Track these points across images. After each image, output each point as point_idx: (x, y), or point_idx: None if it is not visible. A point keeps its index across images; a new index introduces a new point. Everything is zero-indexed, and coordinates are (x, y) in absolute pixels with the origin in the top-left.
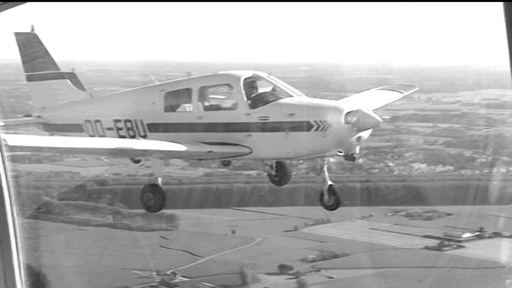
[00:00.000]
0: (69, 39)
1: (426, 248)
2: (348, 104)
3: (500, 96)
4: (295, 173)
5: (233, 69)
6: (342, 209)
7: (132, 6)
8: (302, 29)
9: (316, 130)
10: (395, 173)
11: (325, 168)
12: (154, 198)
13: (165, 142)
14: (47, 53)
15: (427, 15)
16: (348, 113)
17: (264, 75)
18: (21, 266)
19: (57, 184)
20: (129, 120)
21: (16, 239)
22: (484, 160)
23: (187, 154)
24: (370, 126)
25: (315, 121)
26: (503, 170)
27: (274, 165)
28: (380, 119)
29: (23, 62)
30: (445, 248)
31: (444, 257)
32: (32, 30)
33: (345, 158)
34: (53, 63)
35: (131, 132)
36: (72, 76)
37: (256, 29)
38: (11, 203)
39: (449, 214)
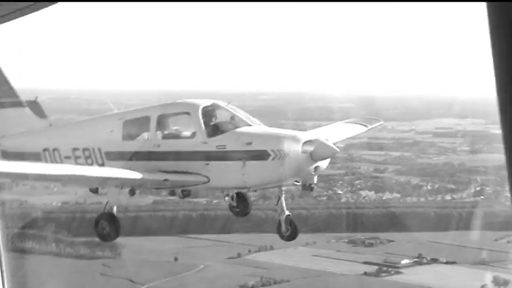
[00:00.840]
0: (30, 67)
1: (365, 274)
2: (306, 133)
3: (454, 125)
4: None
5: (193, 97)
6: None
7: (93, 35)
8: (264, 58)
9: (273, 159)
10: (342, 200)
11: (282, 198)
12: (108, 227)
13: (119, 169)
14: (6, 80)
15: (390, 45)
16: (305, 143)
17: (223, 104)
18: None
19: (4, 212)
20: (87, 149)
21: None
22: (429, 188)
23: (142, 182)
24: (328, 156)
25: (272, 150)
26: (447, 197)
27: (234, 195)
28: (337, 149)
29: None
30: (383, 274)
31: (382, 282)
32: None
33: (303, 188)
34: (12, 91)
35: (89, 161)
36: (34, 104)
37: (218, 58)
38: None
39: (391, 241)
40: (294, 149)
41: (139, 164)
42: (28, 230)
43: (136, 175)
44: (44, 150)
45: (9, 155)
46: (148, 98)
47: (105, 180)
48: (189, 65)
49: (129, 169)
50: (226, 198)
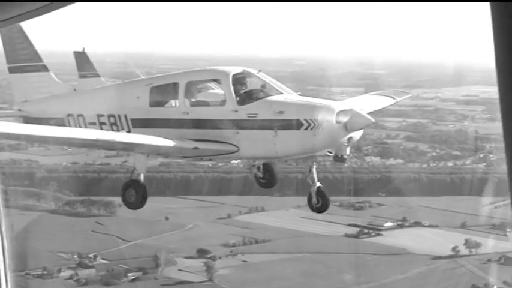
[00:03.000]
0: (68, 29)
1: (346, 235)
2: (340, 103)
3: (481, 93)
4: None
5: (227, 61)
6: (280, 199)
7: None
8: (298, 23)
9: (306, 129)
10: (346, 165)
11: (314, 170)
12: (136, 195)
13: (148, 136)
14: (30, 44)
15: (419, 13)
16: (339, 112)
17: (254, 71)
18: (6, 249)
19: (11, 171)
20: (113, 115)
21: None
22: (434, 154)
23: (172, 150)
24: (362, 127)
25: (305, 119)
26: (450, 164)
27: (261, 166)
28: (372, 120)
29: (6, 53)
30: (363, 236)
31: (360, 244)
32: None
33: (335, 159)
34: (36, 56)
35: (114, 128)
36: (82, 54)
37: (253, 23)
38: None
39: (381, 205)
40: (327, 118)
41: (167, 132)
42: (30, 188)
43: (167, 142)
44: (68, 115)
45: (31, 121)
46: (182, 63)
47: (133, 146)
48: (223, 30)
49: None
50: (253, 169)
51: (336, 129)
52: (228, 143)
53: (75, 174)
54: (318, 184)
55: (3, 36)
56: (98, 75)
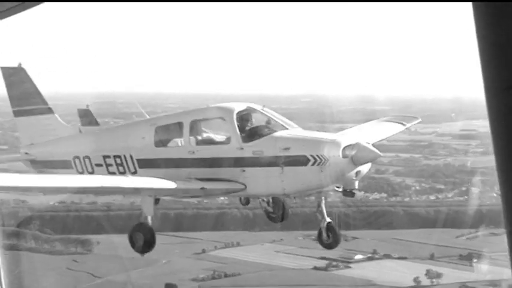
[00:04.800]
0: (78, 71)
1: (315, 268)
2: (346, 137)
3: (480, 127)
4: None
5: (234, 100)
6: (258, 233)
7: (139, 37)
8: (305, 61)
9: (312, 165)
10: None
11: (323, 205)
12: (143, 239)
13: (154, 179)
14: (34, 87)
15: (423, 48)
16: (345, 147)
17: (258, 107)
18: None
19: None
20: (119, 156)
21: None
22: (418, 188)
23: (178, 191)
24: (370, 160)
25: (312, 155)
26: (432, 197)
27: (270, 201)
28: (380, 153)
29: (10, 97)
30: (332, 269)
31: (327, 276)
32: (20, 65)
33: (344, 193)
34: (40, 98)
35: (121, 169)
36: (86, 112)
37: (260, 60)
38: None
39: (355, 238)
40: (334, 153)
41: (173, 172)
42: (11, 228)
43: (173, 184)
44: (75, 158)
45: (38, 164)
46: (189, 102)
47: (139, 190)
48: (231, 67)
49: (162, 177)
50: (262, 203)
51: (343, 164)
52: (235, 181)
53: (58, 213)
54: (328, 220)
55: (7, 80)
56: None
